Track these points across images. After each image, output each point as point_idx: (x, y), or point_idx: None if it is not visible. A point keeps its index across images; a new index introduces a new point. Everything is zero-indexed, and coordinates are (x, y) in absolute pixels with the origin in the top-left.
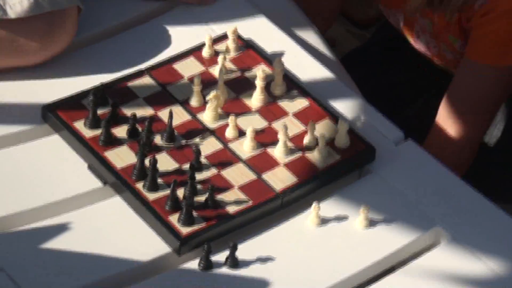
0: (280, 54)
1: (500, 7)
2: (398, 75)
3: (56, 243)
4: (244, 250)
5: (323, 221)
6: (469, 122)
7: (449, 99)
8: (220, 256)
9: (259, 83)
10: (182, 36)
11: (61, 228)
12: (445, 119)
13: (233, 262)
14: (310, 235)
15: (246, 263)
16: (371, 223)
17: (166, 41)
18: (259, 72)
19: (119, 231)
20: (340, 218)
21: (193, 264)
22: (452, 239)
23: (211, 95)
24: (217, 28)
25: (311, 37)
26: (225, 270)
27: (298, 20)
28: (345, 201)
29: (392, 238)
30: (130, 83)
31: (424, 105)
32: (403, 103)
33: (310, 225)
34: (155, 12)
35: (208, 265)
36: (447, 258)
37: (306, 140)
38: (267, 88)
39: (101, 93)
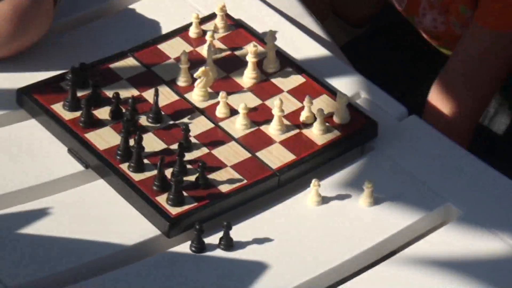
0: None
1: None
2: (401, 59)
3: (36, 228)
4: (239, 231)
5: (324, 200)
6: (467, 95)
7: (448, 69)
8: (213, 238)
9: (250, 58)
10: (167, 19)
11: (41, 213)
12: (441, 91)
13: (228, 243)
14: (309, 214)
15: (241, 245)
16: (376, 201)
17: (149, 25)
18: (251, 46)
19: (104, 215)
20: (342, 197)
21: (184, 247)
22: (464, 215)
23: (200, 71)
24: (205, 11)
25: (306, 20)
26: (219, 252)
27: (293, 6)
28: (347, 179)
29: (400, 216)
30: (112, 65)
31: (428, 88)
32: (407, 85)
33: (309, 204)
34: None
35: (200, 247)
36: (460, 236)
37: (303, 116)
38: (259, 65)
39: (80, 74)
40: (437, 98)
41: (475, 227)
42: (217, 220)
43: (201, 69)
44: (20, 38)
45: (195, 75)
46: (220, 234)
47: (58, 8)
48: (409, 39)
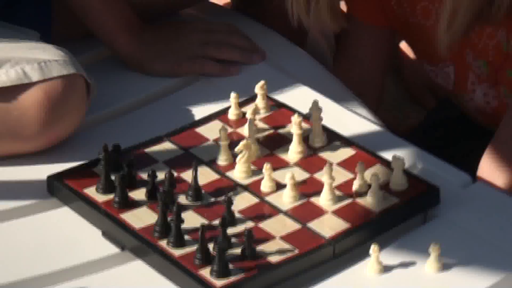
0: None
1: None
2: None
3: None
4: None
5: (386, 268)
6: None
7: (500, 138)
8: None
9: (296, 130)
10: (205, 108)
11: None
12: (494, 161)
13: None
14: (370, 284)
15: None
16: (445, 267)
17: (187, 114)
18: (295, 117)
19: None
20: (405, 264)
21: None
22: None
23: (241, 145)
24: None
25: (354, 104)
26: None
27: (335, 89)
28: (410, 248)
29: (473, 281)
30: (147, 149)
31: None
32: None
33: (370, 273)
34: (172, 88)
35: None
36: None
37: (356, 184)
38: (305, 141)
39: (113, 154)
40: (489, 169)
41: None
42: None
43: (242, 142)
44: (53, 127)
45: (236, 149)
46: None
47: (91, 99)
48: (464, 132)
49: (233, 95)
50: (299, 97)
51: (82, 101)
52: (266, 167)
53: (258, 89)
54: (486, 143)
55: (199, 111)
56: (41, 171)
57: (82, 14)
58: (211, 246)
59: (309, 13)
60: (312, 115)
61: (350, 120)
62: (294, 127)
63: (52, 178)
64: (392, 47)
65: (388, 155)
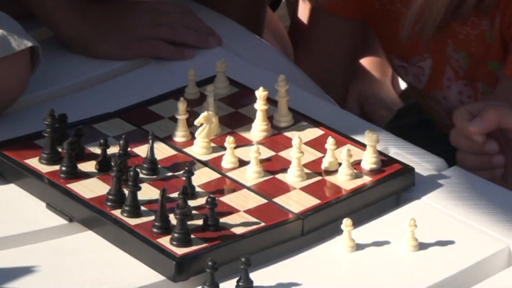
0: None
1: None
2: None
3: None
4: (260, 276)
5: (359, 246)
6: None
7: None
8: (229, 284)
9: (260, 106)
10: (158, 90)
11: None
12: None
13: (247, 285)
14: (342, 260)
15: None
16: (421, 246)
17: (138, 95)
18: (260, 91)
19: (95, 264)
20: (379, 243)
21: None
22: None
23: (201, 117)
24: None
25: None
26: None
27: (298, 78)
28: (383, 227)
29: (452, 261)
30: (96, 125)
31: None
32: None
33: (341, 250)
34: (120, 70)
35: None
36: None
37: (326, 162)
38: (269, 120)
39: (60, 123)
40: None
41: None
42: (231, 266)
43: (203, 114)
44: None
45: (195, 122)
46: (237, 277)
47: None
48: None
49: (191, 72)
50: (260, 81)
51: (26, 71)
52: (229, 140)
53: (218, 66)
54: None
55: (152, 93)
56: None
57: None
58: (171, 216)
59: None
60: (279, 91)
61: (316, 105)
62: (258, 102)
63: None
64: (361, 38)
65: (359, 138)
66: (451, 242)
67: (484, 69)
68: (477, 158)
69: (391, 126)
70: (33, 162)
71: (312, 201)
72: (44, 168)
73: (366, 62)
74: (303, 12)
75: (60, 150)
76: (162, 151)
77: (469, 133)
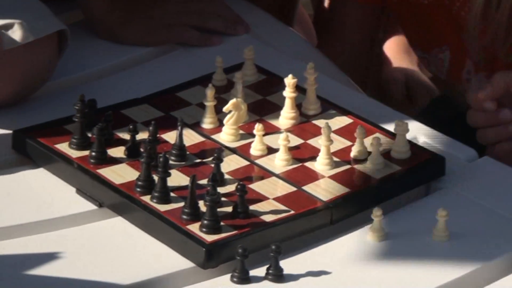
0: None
1: None
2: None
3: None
4: (290, 265)
5: (388, 235)
6: None
7: None
8: (259, 271)
9: (288, 93)
10: (185, 76)
11: (52, 246)
12: None
13: (277, 272)
14: (372, 250)
15: (293, 277)
16: (452, 236)
17: (165, 81)
18: (289, 78)
19: (124, 250)
20: (409, 232)
21: (223, 280)
22: None
23: (230, 104)
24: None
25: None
26: (266, 284)
27: (324, 65)
28: (413, 216)
29: (483, 252)
30: (124, 111)
31: None
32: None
33: (371, 239)
34: (147, 56)
35: (244, 277)
36: None
37: (354, 150)
38: (298, 107)
39: (90, 108)
40: None
41: None
42: (260, 253)
43: (232, 101)
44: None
45: (224, 109)
46: (267, 265)
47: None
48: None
49: (218, 59)
50: (287, 69)
51: (54, 56)
52: (258, 127)
53: (247, 53)
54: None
55: (179, 79)
56: (7, 127)
57: None
58: (200, 203)
59: None
60: (308, 79)
61: (343, 93)
62: (287, 90)
63: (19, 132)
64: (380, 23)
65: (388, 127)
66: (482, 233)
67: (500, 62)
68: (495, 130)
69: (423, 116)
70: (63, 147)
71: (341, 190)
72: (74, 153)
73: (397, 47)
74: (328, 1)
75: (89, 135)
76: (190, 137)
77: (480, 101)
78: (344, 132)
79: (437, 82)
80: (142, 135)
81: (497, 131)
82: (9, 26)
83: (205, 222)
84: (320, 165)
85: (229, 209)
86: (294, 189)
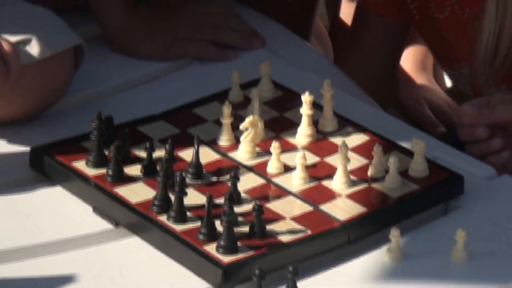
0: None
1: None
2: None
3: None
4: (307, 285)
5: (406, 255)
6: None
7: None
8: None
9: (306, 110)
10: (201, 92)
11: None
12: None
13: None
14: (390, 270)
15: None
16: (471, 256)
17: (181, 97)
18: (306, 95)
19: (140, 270)
20: (428, 252)
21: None
22: None
23: (247, 121)
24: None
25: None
26: None
27: (341, 81)
28: (431, 236)
29: (503, 272)
30: (140, 127)
31: None
32: None
33: (389, 260)
34: (162, 71)
35: None
36: None
37: (372, 170)
38: (314, 124)
39: (107, 125)
40: None
41: None
42: (277, 274)
43: (249, 119)
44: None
45: (241, 127)
46: (284, 286)
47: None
48: None
49: (235, 75)
50: (304, 84)
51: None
52: (275, 145)
53: (263, 68)
54: None
55: (195, 95)
56: (23, 144)
57: None
58: (216, 223)
59: None
60: (324, 97)
61: (360, 109)
62: (304, 107)
63: (36, 150)
64: (405, 40)
65: (405, 145)
66: (501, 252)
67: None
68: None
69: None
70: (80, 165)
71: (358, 209)
72: (91, 172)
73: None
74: (346, 13)
75: (106, 152)
76: (207, 155)
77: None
78: (361, 150)
79: (462, 98)
80: (159, 153)
81: (482, 147)
82: (26, 42)
83: (222, 243)
84: (337, 183)
85: (246, 228)
86: (311, 208)
